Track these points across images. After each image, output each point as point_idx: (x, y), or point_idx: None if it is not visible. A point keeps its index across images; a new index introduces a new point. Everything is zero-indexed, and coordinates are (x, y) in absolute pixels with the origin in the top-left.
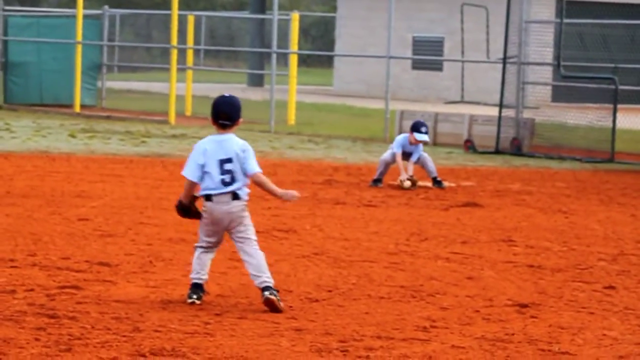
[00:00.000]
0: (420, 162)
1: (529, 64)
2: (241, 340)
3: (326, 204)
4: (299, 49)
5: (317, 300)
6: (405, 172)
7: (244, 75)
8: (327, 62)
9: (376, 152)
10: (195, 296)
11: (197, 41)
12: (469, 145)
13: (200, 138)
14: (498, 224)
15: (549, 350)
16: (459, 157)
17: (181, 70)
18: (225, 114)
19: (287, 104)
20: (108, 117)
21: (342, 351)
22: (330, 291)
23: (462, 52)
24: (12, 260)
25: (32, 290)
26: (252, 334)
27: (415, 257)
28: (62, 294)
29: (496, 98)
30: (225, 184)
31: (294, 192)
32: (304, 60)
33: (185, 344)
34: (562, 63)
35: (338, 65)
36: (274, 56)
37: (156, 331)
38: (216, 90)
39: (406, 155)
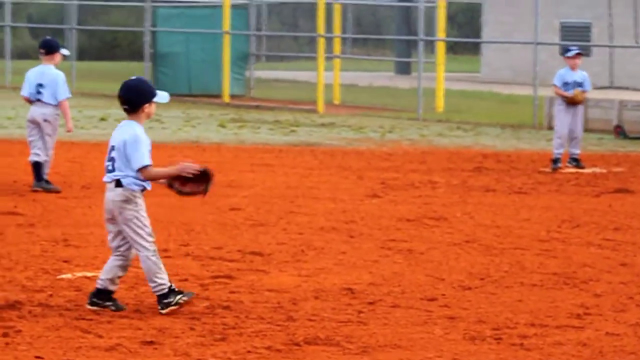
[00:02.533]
0: (572, 135)
1: None
2: (394, 329)
3: (476, 192)
4: (446, 36)
5: (469, 288)
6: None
7: (391, 63)
8: (474, 49)
9: (525, 138)
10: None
11: (343, 29)
12: (619, 131)
13: (349, 126)
14: None
15: None
16: (609, 143)
17: (328, 58)
18: (122, 98)
19: (435, 91)
20: (257, 107)
21: (495, 339)
22: (482, 279)
23: (611, 38)
24: (165, 250)
25: (185, 280)
26: (405, 322)
27: (567, 244)
28: (215, 284)
29: None
30: (108, 170)
31: (188, 164)
32: (450, 48)
33: (338, 333)
34: None
35: (485, 52)
36: (421, 44)
37: (310, 320)
38: (364, 78)
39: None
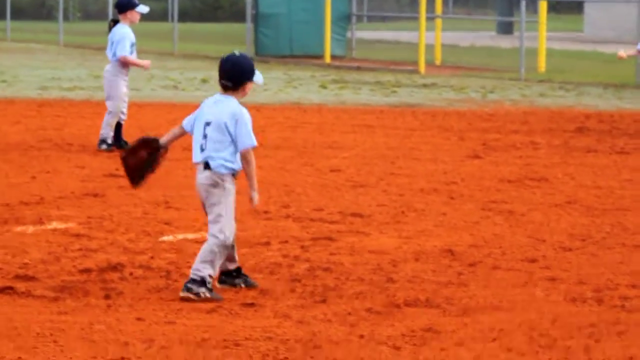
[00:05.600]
0: None
1: None
2: (495, 291)
3: (578, 152)
4: None
5: (570, 250)
6: None
7: (493, 22)
8: (577, 8)
9: (628, 98)
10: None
11: None
12: None
13: (450, 87)
14: None
15: None
16: None
17: (430, 19)
18: (225, 73)
19: (537, 51)
20: (358, 68)
21: (596, 300)
22: (583, 240)
23: None
24: (266, 212)
25: (286, 242)
26: (505, 284)
27: None
28: (315, 246)
29: None
30: (201, 149)
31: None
32: (553, 7)
33: (438, 295)
34: None
35: (588, 11)
36: (523, 3)
37: (410, 282)
38: (465, 39)
39: None
